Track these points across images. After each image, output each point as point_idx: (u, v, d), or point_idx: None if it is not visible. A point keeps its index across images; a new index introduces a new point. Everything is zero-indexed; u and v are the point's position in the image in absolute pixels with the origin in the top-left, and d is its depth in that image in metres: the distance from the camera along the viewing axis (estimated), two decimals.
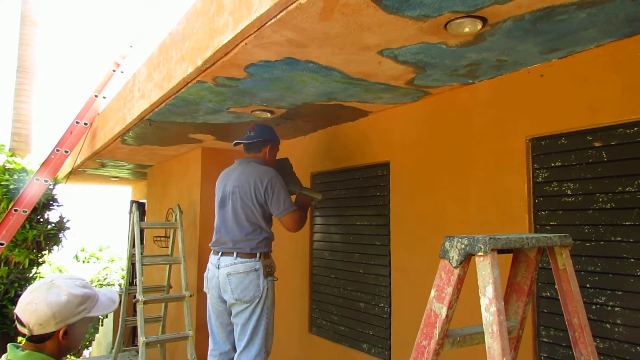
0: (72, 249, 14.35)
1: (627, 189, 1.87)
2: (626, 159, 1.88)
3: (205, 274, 2.95)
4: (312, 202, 3.17)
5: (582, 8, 1.58)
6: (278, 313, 3.99)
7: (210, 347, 2.99)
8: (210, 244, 2.98)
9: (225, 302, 2.85)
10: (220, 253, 2.85)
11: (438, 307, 1.37)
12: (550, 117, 2.10)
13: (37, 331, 1.42)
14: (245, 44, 1.85)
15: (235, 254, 2.79)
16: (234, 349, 2.88)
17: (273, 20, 1.64)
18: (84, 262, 14.32)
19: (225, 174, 3.02)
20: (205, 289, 2.96)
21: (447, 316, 1.35)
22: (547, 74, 2.12)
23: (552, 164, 2.13)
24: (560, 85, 2.07)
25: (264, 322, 2.79)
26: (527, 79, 2.20)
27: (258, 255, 2.80)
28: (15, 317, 1.45)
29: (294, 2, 1.52)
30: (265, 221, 2.85)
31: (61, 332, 1.45)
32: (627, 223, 1.87)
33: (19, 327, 1.45)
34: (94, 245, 15.15)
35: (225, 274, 2.76)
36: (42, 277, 6.70)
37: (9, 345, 1.45)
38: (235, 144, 3.01)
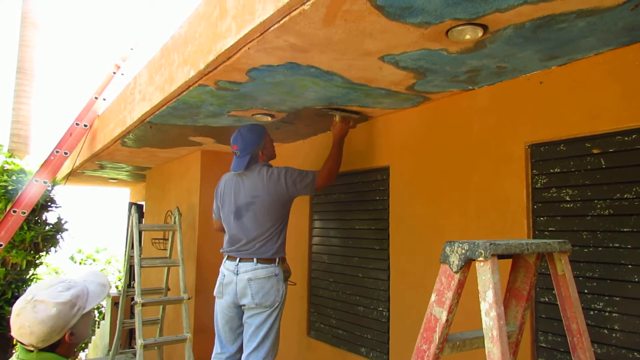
0: (69, 250, 14.30)
1: (625, 196, 1.89)
2: (624, 166, 1.90)
3: (219, 280, 2.93)
4: (352, 125, 3.01)
5: (582, 17, 1.60)
6: None
7: (217, 350, 2.98)
8: (223, 250, 2.97)
9: (238, 307, 2.86)
10: (238, 259, 2.84)
11: (438, 311, 1.38)
12: (549, 123, 2.12)
13: (43, 345, 1.42)
14: (248, 48, 1.87)
15: (255, 259, 2.79)
16: (240, 351, 2.90)
17: (276, 26, 1.66)
18: (80, 263, 14.26)
19: (234, 182, 2.95)
20: (216, 294, 2.95)
21: (447, 320, 1.36)
22: (547, 81, 2.14)
23: (551, 170, 2.14)
24: (559, 92, 2.09)
25: (276, 327, 2.84)
26: (526, 86, 2.22)
27: (277, 260, 2.83)
28: (14, 340, 1.43)
29: (297, 8, 1.53)
30: (283, 226, 2.90)
31: (67, 336, 1.46)
32: (625, 229, 1.89)
33: (23, 346, 1.43)
34: (91, 246, 15.09)
35: (246, 280, 2.76)
36: (40, 279, 6.70)
37: (19, 345, 1.45)
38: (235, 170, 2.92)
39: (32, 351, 1.42)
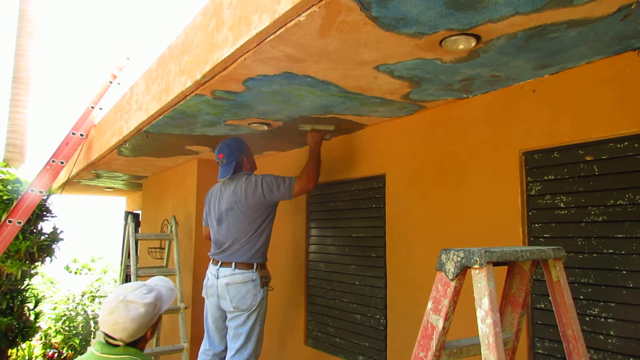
0: (65, 259, 14.18)
1: (618, 202, 1.91)
2: (617, 173, 1.93)
3: (204, 282, 3.13)
4: (326, 137, 3.20)
5: (573, 27, 1.63)
6: (274, 324, 3.99)
7: (205, 346, 3.16)
8: (209, 254, 3.16)
9: (222, 309, 3.03)
10: (219, 263, 3.02)
11: (435, 319, 1.39)
12: (542, 131, 2.15)
13: (130, 340, 1.66)
14: (245, 59, 1.89)
15: (233, 265, 2.96)
16: (226, 351, 3.07)
17: (272, 37, 1.68)
18: (76, 273, 14.13)
19: (219, 190, 3.17)
20: (203, 295, 3.15)
21: (443, 328, 1.37)
22: (540, 89, 2.17)
23: (545, 177, 2.16)
24: (552, 101, 2.12)
25: (257, 329, 2.99)
26: (520, 94, 2.25)
27: (255, 266, 2.98)
28: (104, 335, 1.66)
29: (293, 20, 1.55)
30: (262, 232, 3.03)
31: (149, 333, 1.70)
32: (619, 235, 1.90)
33: (111, 341, 1.66)
34: (86, 256, 14.97)
35: (224, 284, 2.94)
36: (34, 289, 6.64)
37: (97, 342, 1.65)
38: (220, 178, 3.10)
39: (117, 346, 1.65)
